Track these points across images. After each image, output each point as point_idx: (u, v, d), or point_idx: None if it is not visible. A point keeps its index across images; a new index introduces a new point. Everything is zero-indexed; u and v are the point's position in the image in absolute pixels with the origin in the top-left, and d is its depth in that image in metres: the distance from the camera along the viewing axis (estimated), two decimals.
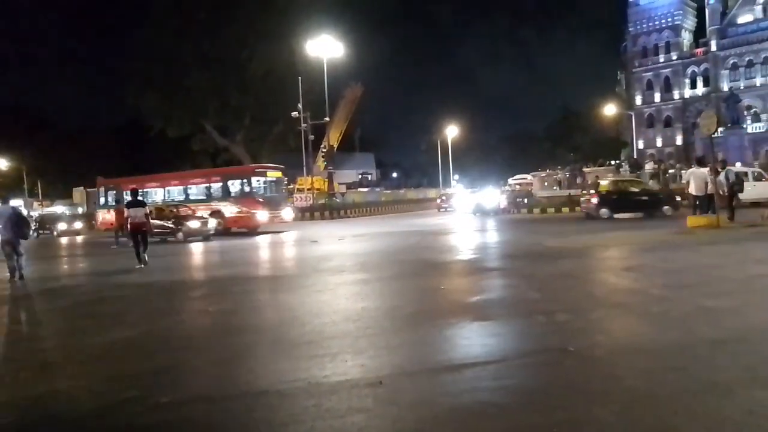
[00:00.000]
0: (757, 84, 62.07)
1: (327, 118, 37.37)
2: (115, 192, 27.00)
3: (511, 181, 45.77)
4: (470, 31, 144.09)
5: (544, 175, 41.45)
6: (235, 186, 24.79)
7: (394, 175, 79.93)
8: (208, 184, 25.90)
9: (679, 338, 4.93)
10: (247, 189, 24.30)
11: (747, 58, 62.72)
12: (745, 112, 61.34)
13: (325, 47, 35.08)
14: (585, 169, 38.36)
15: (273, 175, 25.87)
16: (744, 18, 63.40)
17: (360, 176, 57.46)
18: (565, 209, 27.61)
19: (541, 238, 14.84)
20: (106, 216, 26.56)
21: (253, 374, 4.47)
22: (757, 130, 58.56)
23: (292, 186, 38.09)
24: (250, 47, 40.78)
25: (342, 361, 4.60)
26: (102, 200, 28.36)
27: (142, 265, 12.31)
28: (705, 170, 14.70)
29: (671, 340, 4.89)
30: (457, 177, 67.33)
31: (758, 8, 62.48)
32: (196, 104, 42.53)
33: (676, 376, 3.97)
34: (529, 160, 64.71)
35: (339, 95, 46.99)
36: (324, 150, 44.11)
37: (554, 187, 36.59)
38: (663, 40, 69.54)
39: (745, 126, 59.98)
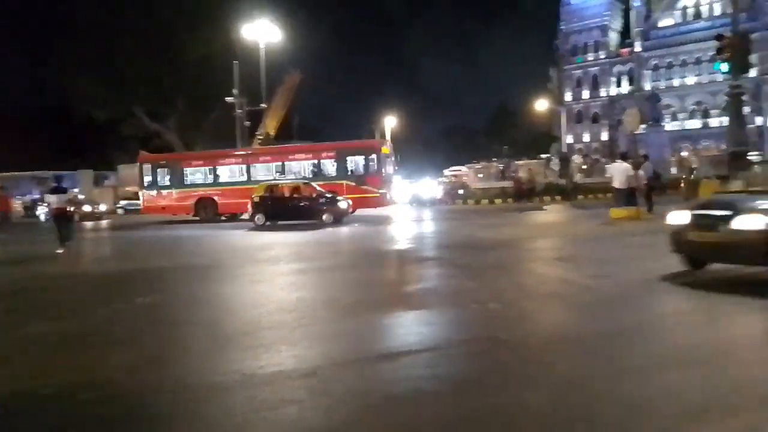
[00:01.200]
0: (676, 85, 66.05)
1: (264, 105, 36.57)
2: (169, 171, 23.95)
3: (447, 173, 46.59)
4: (413, 22, 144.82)
5: (479, 167, 42.49)
6: (355, 163, 22.43)
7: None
8: (316, 161, 23.19)
9: (603, 326, 5.20)
10: (373, 166, 22.01)
11: (667, 60, 66.57)
12: (665, 111, 65.30)
13: (263, 32, 34.27)
14: (518, 163, 39.64)
15: (386, 151, 23.40)
16: (665, 22, 67.18)
17: None
18: (499, 200, 28.43)
19: (476, 229, 15.21)
20: (154, 197, 23.77)
21: (186, 367, 4.33)
22: (675, 128, 62.38)
23: None
24: (185, 29, 39.20)
25: (276, 351, 4.54)
26: (149, 179, 24.43)
27: (61, 251, 11.88)
28: (627, 165, 15.51)
29: (596, 327, 5.14)
30: (396, 168, 67.70)
31: (678, 13, 66.37)
32: (126, 87, 40.48)
33: (600, 362, 4.18)
34: (469, 153, 66.07)
35: (278, 82, 46.04)
36: (260, 137, 43.17)
37: (489, 179, 37.60)
38: (592, 39, 72.59)
39: (664, 124, 63.90)
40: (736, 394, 3.43)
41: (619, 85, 71.22)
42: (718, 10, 61.12)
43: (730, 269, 6.82)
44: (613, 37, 72.43)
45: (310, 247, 12.89)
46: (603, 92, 72.02)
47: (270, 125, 36.11)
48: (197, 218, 22.95)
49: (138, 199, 37.74)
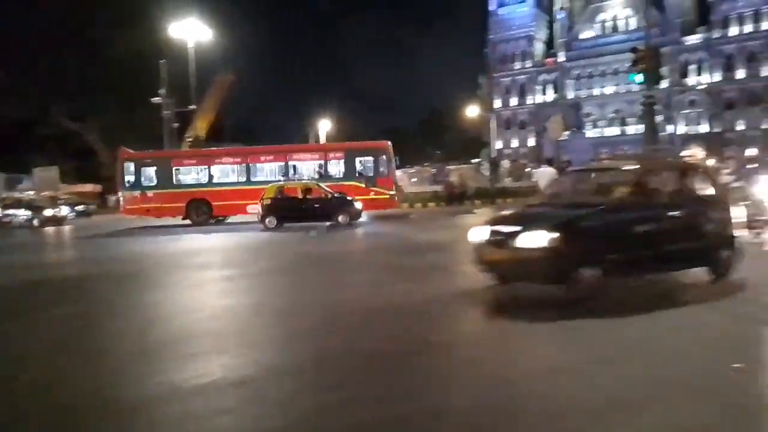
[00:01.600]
0: (596, 94, 69.78)
1: (194, 106, 35.49)
2: (156, 169, 22.05)
3: None
4: (348, 25, 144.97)
5: (412, 171, 43.08)
6: (364, 164, 21.65)
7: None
8: (322, 162, 22.10)
9: (523, 322, 5.41)
10: (383, 167, 21.35)
11: (588, 70, 70.26)
12: (586, 119, 68.91)
13: (192, 30, 33.27)
14: (450, 167, 40.50)
15: (391, 151, 22.56)
16: (586, 34, 70.89)
17: None
18: (432, 204, 28.92)
19: (410, 232, 15.41)
20: (137, 198, 21.68)
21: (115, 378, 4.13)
22: (596, 135, 65.85)
23: None
24: (109, 24, 37.40)
25: (206, 360, 4.43)
26: (131, 179, 22.12)
27: None
28: (552, 170, 16.22)
29: (518, 324, 5.36)
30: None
31: (597, 26, 70.22)
32: (44, 84, 38.04)
33: (526, 358, 4.36)
34: (403, 156, 66.80)
35: (209, 83, 44.83)
36: (190, 140, 41.80)
37: (422, 183, 38.20)
38: (519, 48, 75.43)
39: (585, 131, 67.41)
40: (662, 388, 3.68)
41: (544, 93, 74.36)
42: (633, 24, 65.16)
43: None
44: (539, 48, 75.59)
45: (376, 252, 12.63)
46: (530, 100, 74.95)
47: (200, 127, 35.02)
48: (186, 221, 21.24)
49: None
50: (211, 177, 22.13)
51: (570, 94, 68.58)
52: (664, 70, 46.58)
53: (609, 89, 68.78)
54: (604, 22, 69.47)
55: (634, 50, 16.95)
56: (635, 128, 59.94)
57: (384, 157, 21.75)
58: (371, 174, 21.45)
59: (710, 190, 7.15)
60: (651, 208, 6.25)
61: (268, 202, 17.54)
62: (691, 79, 63.56)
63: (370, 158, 21.84)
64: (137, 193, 21.98)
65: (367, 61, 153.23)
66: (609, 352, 4.35)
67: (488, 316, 6.03)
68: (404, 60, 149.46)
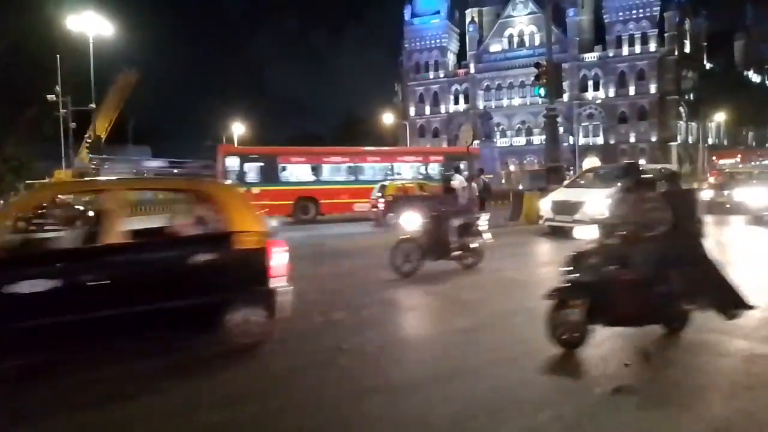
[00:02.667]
0: (504, 105, 73.21)
1: (93, 105, 33.33)
2: (260, 165, 21.43)
3: None
4: (262, 27, 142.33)
5: None
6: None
7: (175, 171, 74.65)
8: (425, 164, 23.47)
9: (438, 329, 5.51)
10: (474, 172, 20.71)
11: (497, 82, 73.56)
12: (495, 128, 72.02)
13: (91, 25, 31.17)
14: None
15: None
16: (495, 47, 74.24)
17: (135, 172, 52.33)
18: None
19: (324, 238, 15.29)
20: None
21: None
22: (504, 144, 69.00)
23: (47, 180, 33.03)
24: None
25: None
26: (232, 175, 20.81)
27: None
28: (462, 178, 16.73)
29: (432, 331, 5.44)
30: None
31: (505, 40, 73.75)
32: None
33: (435, 364, 4.42)
34: None
35: (110, 81, 42.36)
36: (89, 140, 39.19)
37: None
38: (432, 58, 77.59)
39: (495, 140, 70.41)
40: (555, 390, 3.84)
41: (456, 102, 76.93)
42: (537, 40, 69.08)
43: None
44: (451, 58, 78.14)
45: None
46: (443, 109, 77.24)
47: (100, 127, 32.98)
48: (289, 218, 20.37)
49: None
50: (319, 175, 22.23)
51: (480, 104, 71.44)
52: (565, 84, 49.97)
53: (516, 101, 72.43)
54: (511, 36, 73.10)
55: (537, 65, 17.89)
56: (540, 138, 63.43)
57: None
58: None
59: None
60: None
61: (390, 200, 17.60)
62: (589, 94, 68.39)
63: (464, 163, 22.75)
64: (242, 189, 20.89)
65: (283, 64, 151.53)
66: None
67: None
68: (321, 65, 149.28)
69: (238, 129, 56.30)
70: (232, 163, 21.51)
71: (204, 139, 74.29)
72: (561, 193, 13.49)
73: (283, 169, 22.07)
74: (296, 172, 22.31)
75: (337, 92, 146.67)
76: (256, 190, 20.13)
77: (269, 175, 21.41)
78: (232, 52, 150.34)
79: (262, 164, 21.73)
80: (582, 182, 14.24)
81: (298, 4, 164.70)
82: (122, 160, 46.21)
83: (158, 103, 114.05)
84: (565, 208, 12.33)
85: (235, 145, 29.88)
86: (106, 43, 33.67)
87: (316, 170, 22.43)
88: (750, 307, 4.48)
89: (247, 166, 21.51)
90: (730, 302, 4.49)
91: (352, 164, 22.88)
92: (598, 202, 10.98)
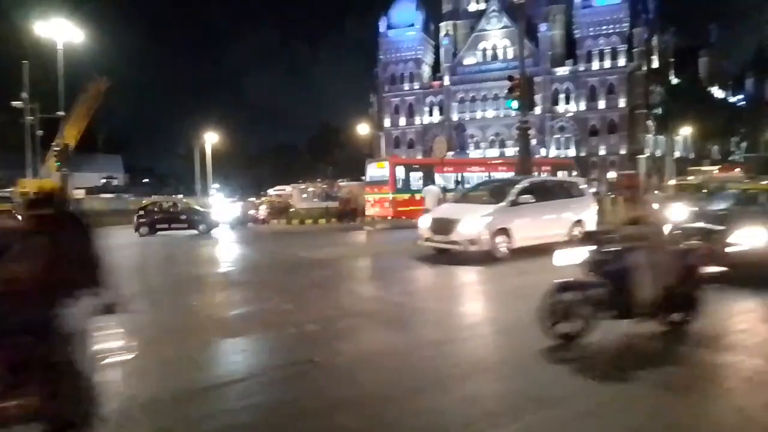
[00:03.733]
0: (478, 117, 74.08)
1: (62, 113, 32.61)
2: (421, 174, 23.85)
3: (271, 191, 46.06)
4: (238, 36, 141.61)
5: (303, 187, 42.73)
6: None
7: (146, 181, 73.54)
8: (537, 173, 24.23)
9: (409, 341, 5.51)
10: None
11: (471, 95, 74.46)
12: (469, 140, 72.73)
13: (61, 31, 30.56)
14: (340, 183, 40.70)
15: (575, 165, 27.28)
16: (469, 60, 75.21)
17: (104, 181, 51.49)
18: (322, 221, 28.83)
19: (297, 249, 15.19)
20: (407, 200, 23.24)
21: None
22: (478, 156, 69.70)
23: (13, 190, 32.19)
24: None
25: None
26: (399, 183, 24.00)
27: None
28: (437, 188, 16.90)
29: (403, 342, 5.43)
30: (217, 186, 65.12)
31: (479, 53, 74.80)
32: None
33: (406, 377, 4.41)
34: (292, 172, 66.15)
35: (80, 88, 41.56)
36: (57, 148, 38.34)
37: (314, 199, 37.96)
38: (408, 70, 78.20)
39: (469, 151, 71.16)
40: (524, 400, 3.88)
41: (431, 114, 77.55)
42: (510, 54, 70.25)
43: None
44: (426, 70, 78.86)
45: None
46: (418, 120, 77.78)
47: (69, 135, 32.29)
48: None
49: None
50: (464, 183, 24.16)
51: (455, 116, 72.14)
52: (537, 97, 50.81)
53: (490, 113, 73.35)
54: (485, 50, 74.16)
55: (510, 78, 18.16)
56: (513, 150, 64.24)
57: (573, 171, 28.22)
58: None
59: None
60: None
61: None
62: (561, 107, 69.72)
63: (566, 171, 27.18)
64: (407, 195, 23.93)
65: (259, 75, 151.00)
66: None
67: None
68: (297, 76, 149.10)
69: (211, 138, 55.71)
70: (400, 172, 24.49)
71: (177, 148, 73.66)
72: (441, 210, 12.16)
73: (438, 178, 24.70)
74: (446, 179, 25.10)
75: (313, 103, 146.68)
76: (417, 196, 22.62)
77: (427, 182, 23.58)
78: (208, 62, 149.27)
79: (423, 173, 24.42)
80: (470, 197, 12.82)
81: (275, 15, 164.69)
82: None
83: (131, 111, 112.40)
84: (442, 226, 10.91)
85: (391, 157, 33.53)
86: (76, 50, 33.08)
87: (461, 178, 25.30)
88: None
89: (412, 175, 24.63)
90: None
91: (486, 173, 25.87)
92: (474, 221, 10.35)
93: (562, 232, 10.70)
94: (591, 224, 11.50)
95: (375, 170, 25.56)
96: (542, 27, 68.89)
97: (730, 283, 6.57)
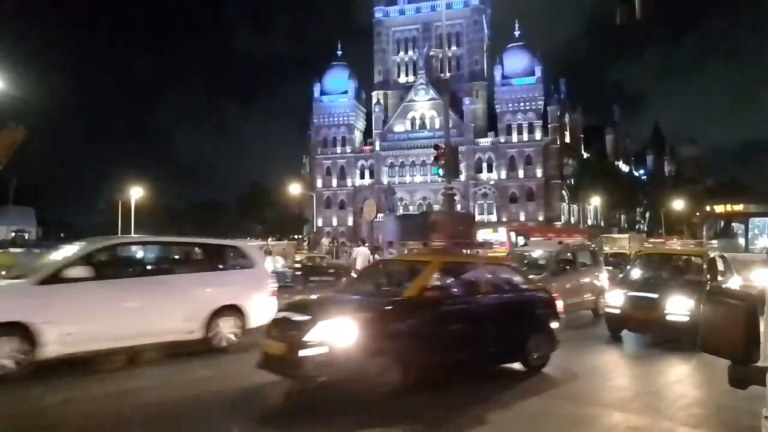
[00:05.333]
0: (407, 181, 76.71)
1: None
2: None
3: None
4: (168, 92, 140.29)
5: None
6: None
7: (62, 235, 69.47)
8: None
9: None
10: None
11: (400, 160, 77.30)
12: (399, 203, 74.83)
13: None
14: (271, 243, 40.51)
15: None
16: (398, 127, 78.52)
17: (14, 234, 48.28)
18: None
19: None
20: None
21: None
22: None
23: None
24: None
25: None
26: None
27: None
28: (366, 250, 17.46)
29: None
30: None
31: (408, 121, 78.37)
32: None
33: None
34: (218, 229, 64.78)
35: None
36: None
37: None
38: (340, 134, 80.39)
39: (398, 213, 72.96)
40: None
41: (362, 177, 79.46)
42: (437, 123, 74.11)
43: None
44: (358, 135, 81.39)
45: None
46: (349, 182, 79.36)
47: None
48: None
49: None
50: None
51: (384, 180, 74.30)
52: (462, 165, 53.76)
53: (418, 178, 76.23)
54: (413, 119, 77.88)
55: (436, 147, 19.38)
56: None
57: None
58: None
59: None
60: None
61: None
62: (484, 175, 73.68)
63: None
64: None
65: (189, 131, 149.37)
66: None
67: None
68: (229, 134, 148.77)
69: (136, 193, 54.11)
70: (512, 237, 25.84)
71: (97, 202, 70.54)
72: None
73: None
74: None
75: (243, 161, 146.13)
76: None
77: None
78: (137, 116, 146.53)
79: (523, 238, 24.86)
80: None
81: (209, 72, 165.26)
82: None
83: (48, 163, 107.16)
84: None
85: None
86: None
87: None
88: None
89: (518, 239, 25.19)
90: None
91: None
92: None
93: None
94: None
95: (486, 234, 26.94)
96: (466, 101, 73.60)
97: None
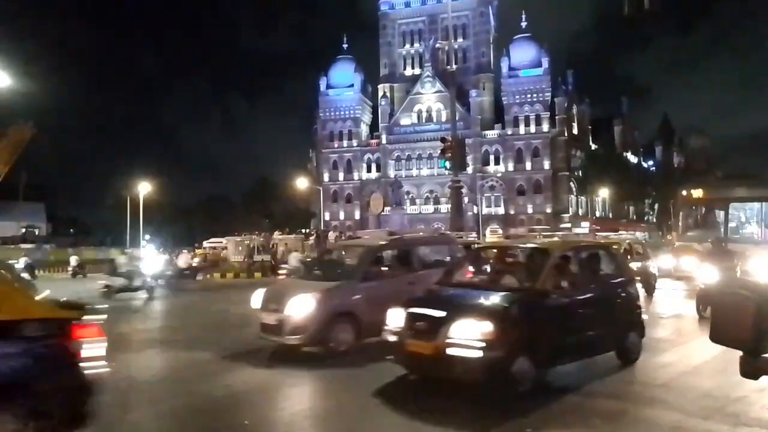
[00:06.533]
0: (414, 174, 76.58)
1: None
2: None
3: (206, 244, 45.11)
4: (176, 87, 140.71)
5: (239, 239, 42.11)
6: None
7: (71, 231, 70.08)
8: None
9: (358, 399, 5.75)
10: None
11: (407, 153, 77.15)
12: (405, 196, 74.76)
13: None
14: (276, 237, 40.49)
15: None
16: (405, 121, 78.30)
17: (24, 229, 48.75)
18: (258, 274, 28.47)
19: (229, 304, 14.98)
20: None
21: None
22: (413, 212, 71.57)
23: None
24: None
25: None
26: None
27: None
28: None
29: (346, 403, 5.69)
30: (148, 237, 62.94)
31: (414, 115, 78.14)
32: None
33: None
34: (225, 225, 64.96)
35: (2, 133, 40.02)
36: None
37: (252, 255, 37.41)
38: (346, 128, 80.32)
39: (405, 207, 72.95)
40: None
41: (369, 170, 79.40)
42: (443, 116, 73.84)
43: None
44: (364, 129, 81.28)
45: None
46: (356, 176, 79.36)
47: None
48: None
49: None
50: None
51: (391, 173, 74.19)
52: (468, 158, 53.54)
53: (425, 171, 76.07)
54: (420, 112, 77.61)
55: (443, 140, 19.35)
56: (446, 207, 66.49)
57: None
58: None
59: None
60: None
61: None
62: (491, 168, 73.37)
63: None
64: None
65: (196, 126, 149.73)
66: None
67: None
68: (236, 129, 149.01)
69: (144, 188, 54.32)
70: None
71: (105, 198, 70.94)
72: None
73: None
74: None
75: (250, 156, 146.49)
76: None
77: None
78: (142, 112, 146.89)
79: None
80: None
81: (215, 68, 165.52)
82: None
83: (57, 159, 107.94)
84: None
85: None
86: (2, 94, 32.06)
87: None
88: None
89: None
90: None
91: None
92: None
93: None
94: None
95: None
96: (472, 93, 73.21)
97: None
